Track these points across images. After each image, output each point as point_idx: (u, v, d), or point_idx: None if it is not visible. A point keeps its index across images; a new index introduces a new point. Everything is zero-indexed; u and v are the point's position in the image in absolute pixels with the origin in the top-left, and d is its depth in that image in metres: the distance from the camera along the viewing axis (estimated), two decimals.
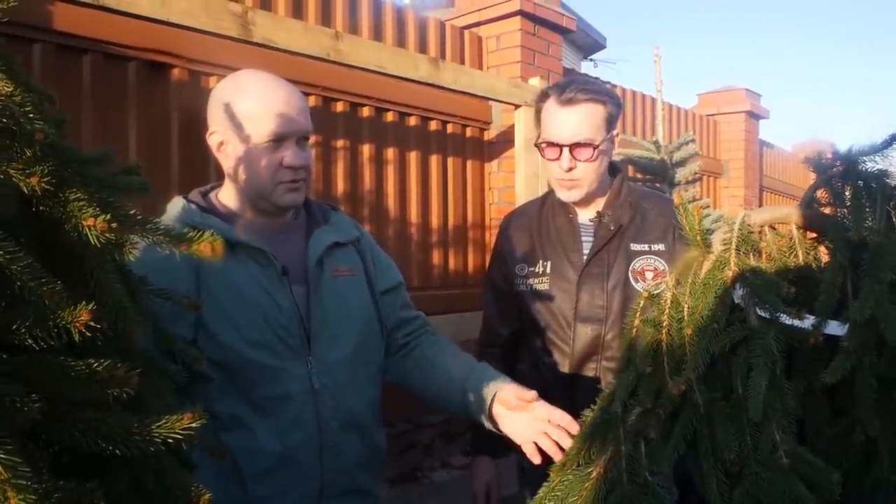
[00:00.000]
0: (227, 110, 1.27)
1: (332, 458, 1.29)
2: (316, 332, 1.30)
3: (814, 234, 1.17)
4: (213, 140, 1.31)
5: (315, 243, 1.35)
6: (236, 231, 1.28)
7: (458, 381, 1.40)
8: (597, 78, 1.76)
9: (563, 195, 1.73)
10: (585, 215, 1.75)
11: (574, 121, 1.65)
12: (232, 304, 1.23)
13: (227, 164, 1.31)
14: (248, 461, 1.23)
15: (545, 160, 1.73)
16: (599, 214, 1.72)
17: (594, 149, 1.64)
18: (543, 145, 1.70)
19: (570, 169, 1.66)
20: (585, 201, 1.75)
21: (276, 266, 1.28)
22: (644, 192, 1.84)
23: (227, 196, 1.36)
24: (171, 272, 1.06)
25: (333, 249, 1.37)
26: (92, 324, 0.57)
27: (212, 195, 1.38)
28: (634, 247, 1.69)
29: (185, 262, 1.18)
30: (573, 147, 1.65)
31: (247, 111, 1.26)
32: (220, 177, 1.38)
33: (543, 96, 1.73)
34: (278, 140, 1.27)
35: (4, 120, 0.60)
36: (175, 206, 1.32)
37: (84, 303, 0.57)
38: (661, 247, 1.68)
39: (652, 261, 1.67)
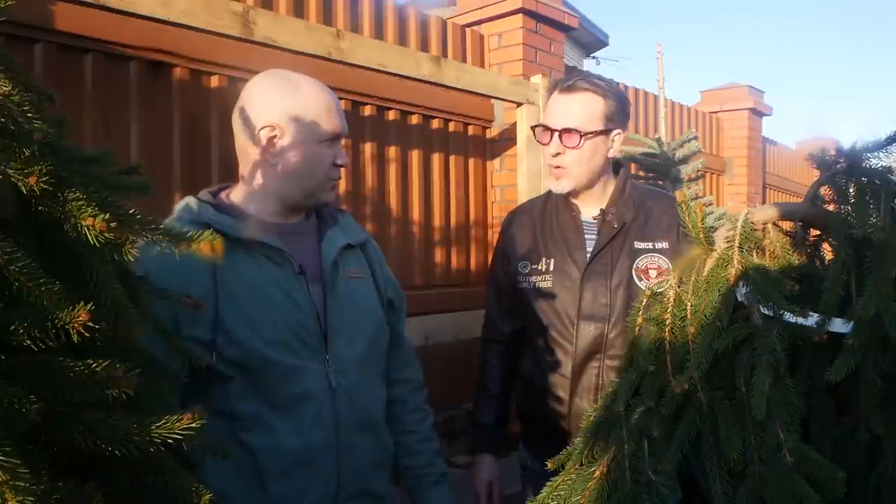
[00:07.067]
0: (289, 106, 1.30)
1: (348, 458, 1.29)
2: (333, 331, 1.30)
3: (817, 232, 1.16)
4: (262, 134, 1.30)
5: (329, 244, 1.36)
6: (250, 231, 1.28)
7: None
8: (611, 79, 1.76)
9: (552, 185, 1.74)
10: (589, 213, 1.74)
11: (567, 107, 1.67)
12: (250, 303, 1.23)
13: (270, 159, 1.30)
14: (270, 460, 1.22)
15: (540, 145, 1.74)
16: (603, 212, 1.71)
17: (581, 136, 1.64)
18: (539, 129, 1.72)
19: (557, 154, 1.67)
20: (587, 198, 1.74)
21: (292, 265, 1.28)
22: (648, 191, 1.84)
23: (240, 196, 1.36)
24: (188, 275, 1.08)
25: (345, 251, 1.38)
26: (91, 324, 0.56)
27: (222, 195, 1.37)
28: (638, 245, 1.68)
29: (201, 264, 1.18)
30: (562, 133, 1.66)
31: (311, 109, 1.31)
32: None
33: (553, 86, 1.74)
34: (336, 138, 1.33)
35: (3, 119, 0.59)
36: (189, 206, 1.31)
37: (82, 303, 0.57)
38: (665, 245, 1.68)
39: (656, 259, 1.66)
